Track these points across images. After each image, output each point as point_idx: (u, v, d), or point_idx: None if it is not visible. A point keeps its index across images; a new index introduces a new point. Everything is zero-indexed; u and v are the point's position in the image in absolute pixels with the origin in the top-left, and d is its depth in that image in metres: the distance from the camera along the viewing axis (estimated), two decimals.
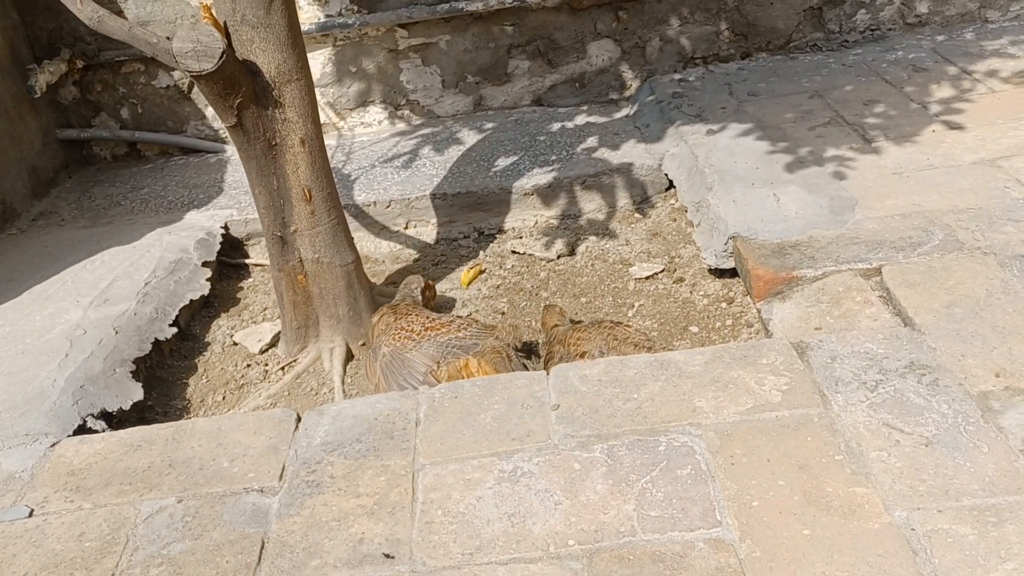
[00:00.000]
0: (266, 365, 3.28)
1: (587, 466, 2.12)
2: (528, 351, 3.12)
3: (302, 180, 2.89)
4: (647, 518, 1.94)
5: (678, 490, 2.00)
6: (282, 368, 3.22)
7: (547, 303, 3.29)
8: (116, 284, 3.44)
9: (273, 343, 3.37)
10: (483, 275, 3.75)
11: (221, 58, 2.54)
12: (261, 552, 2.01)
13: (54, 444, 2.51)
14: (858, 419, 2.13)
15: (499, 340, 2.91)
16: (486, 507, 2.04)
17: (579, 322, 2.95)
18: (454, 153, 4.40)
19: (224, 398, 3.13)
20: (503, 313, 3.45)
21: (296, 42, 2.77)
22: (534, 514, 2.00)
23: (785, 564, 1.77)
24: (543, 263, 3.77)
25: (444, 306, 3.55)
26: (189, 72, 2.56)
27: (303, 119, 2.82)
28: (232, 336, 3.46)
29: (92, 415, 2.70)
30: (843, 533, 1.82)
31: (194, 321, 3.57)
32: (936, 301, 2.52)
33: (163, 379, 3.22)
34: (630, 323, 3.20)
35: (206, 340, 3.47)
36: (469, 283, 3.69)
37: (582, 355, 2.70)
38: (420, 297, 3.17)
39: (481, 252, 3.92)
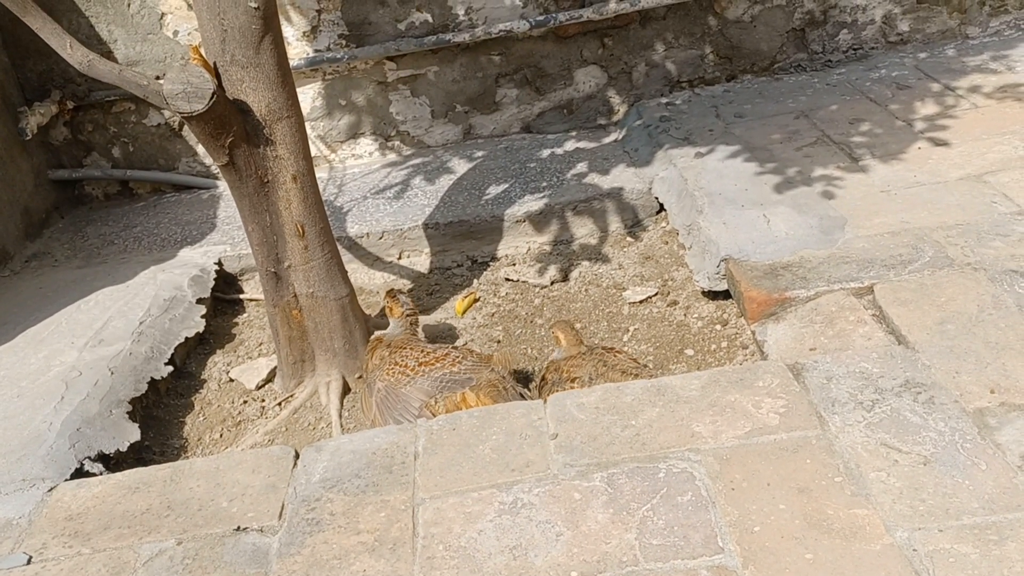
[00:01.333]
0: (263, 401, 3.27)
1: (587, 495, 2.11)
2: (525, 379, 3.13)
3: (295, 216, 2.90)
4: (649, 547, 1.94)
5: (679, 517, 2.00)
6: (279, 404, 3.22)
7: (558, 320, 3.26)
8: (111, 324, 3.44)
9: (269, 378, 3.37)
10: (478, 303, 3.76)
11: (212, 99, 2.56)
12: None
13: (51, 489, 2.49)
14: (856, 440, 2.13)
15: (495, 372, 2.91)
16: (487, 540, 2.03)
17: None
18: (445, 182, 4.42)
19: (221, 435, 3.12)
20: (498, 341, 3.45)
21: (286, 80, 2.79)
22: (536, 546, 1.99)
23: None
24: (537, 290, 3.78)
25: (440, 335, 3.55)
26: (180, 113, 2.58)
27: (294, 156, 2.84)
28: (228, 373, 3.46)
29: (89, 458, 2.68)
30: (845, 556, 1.82)
31: (190, 359, 3.56)
32: (928, 318, 2.54)
33: (160, 418, 3.21)
34: (624, 348, 3.21)
35: (202, 377, 3.46)
36: (464, 312, 3.70)
37: (573, 381, 2.72)
38: (415, 326, 3.16)
39: (475, 280, 3.93)
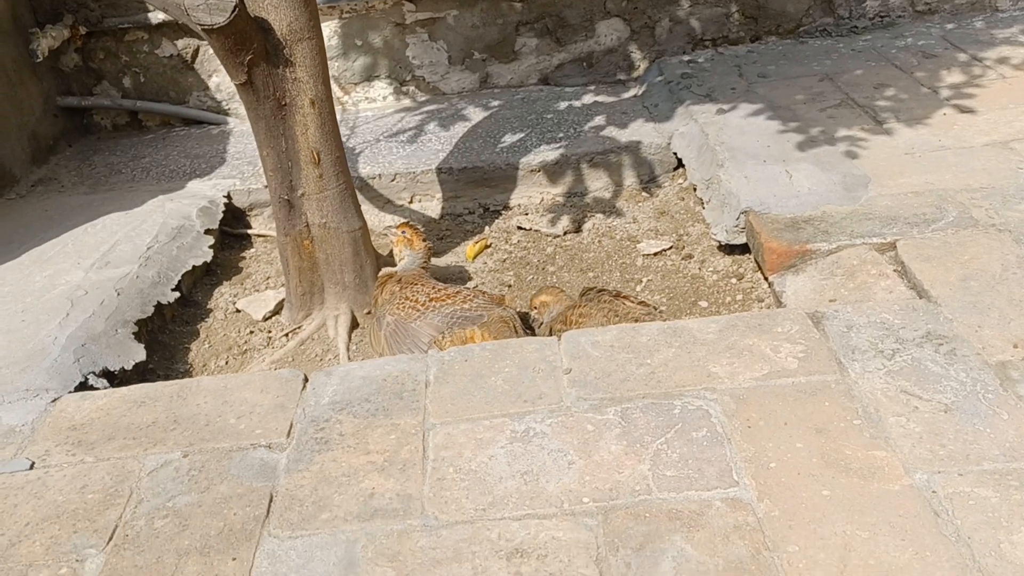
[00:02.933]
0: (269, 332, 3.24)
1: (600, 428, 2.09)
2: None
3: (311, 142, 2.85)
4: (663, 477, 1.91)
5: (694, 451, 1.97)
6: (286, 335, 3.18)
7: (542, 286, 3.20)
8: (118, 248, 3.39)
9: (277, 311, 3.33)
10: (489, 250, 3.72)
11: (233, 12, 2.50)
12: (270, 505, 1.97)
13: (55, 399, 2.46)
14: (876, 386, 2.10)
15: (506, 311, 2.88)
16: (498, 465, 2.01)
17: (587, 291, 2.91)
18: (460, 129, 4.36)
19: (227, 363, 3.09)
20: (509, 286, 3.41)
21: (308, 0, 2.73)
22: (547, 472, 1.97)
23: (805, 523, 1.75)
24: (549, 239, 3.74)
25: (450, 277, 3.51)
26: (200, 25, 2.52)
27: (313, 79, 2.78)
28: (235, 303, 3.42)
29: (94, 373, 2.65)
30: (863, 494, 1.80)
31: (196, 288, 3.52)
32: (952, 275, 2.50)
33: (165, 343, 3.17)
34: (635, 295, 3.17)
35: (208, 307, 3.43)
36: (475, 257, 3.65)
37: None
38: (426, 262, 3.11)
39: (486, 228, 3.89)
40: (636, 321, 2.69)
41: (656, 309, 2.78)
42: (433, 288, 2.95)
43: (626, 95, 4.56)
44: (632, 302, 2.81)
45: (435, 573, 1.75)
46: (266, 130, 2.81)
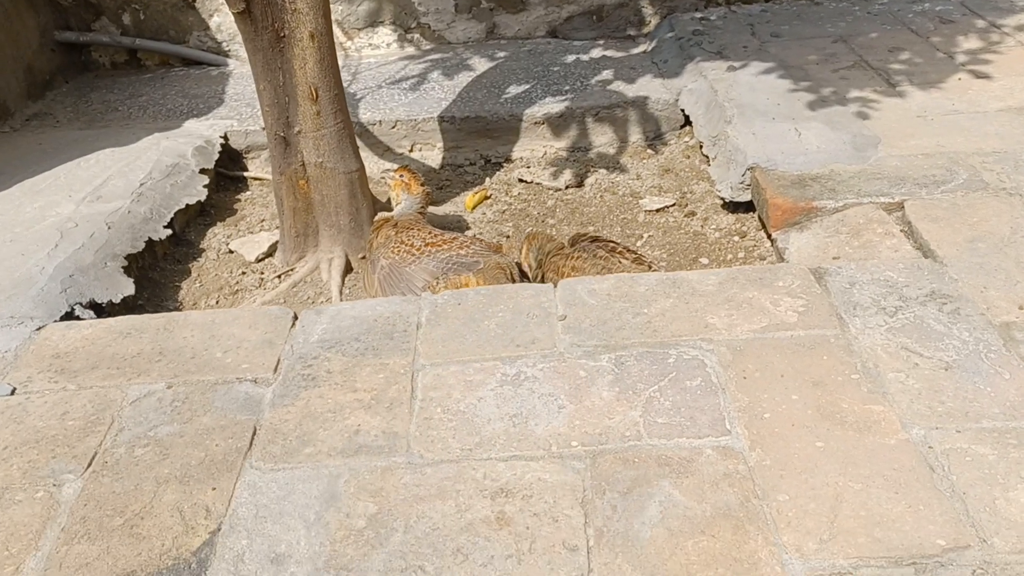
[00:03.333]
0: (262, 273, 3.19)
1: (593, 374, 2.04)
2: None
3: (309, 77, 2.77)
4: (654, 424, 1.87)
5: (687, 400, 1.93)
6: (278, 276, 3.14)
7: (529, 231, 3.11)
8: (110, 182, 3.33)
9: (270, 253, 3.28)
10: (488, 201, 3.66)
11: None
12: (253, 438, 1.94)
13: (40, 328, 2.42)
14: (876, 342, 2.06)
15: (503, 258, 2.83)
16: (487, 407, 1.97)
17: (580, 237, 2.82)
18: (464, 79, 4.27)
19: (217, 302, 3.04)
20: (508, 236, 3.36)
21: None
22: (537, 416, 1.93)
23: (796, 473, 1.71)
24: (550, 192, 3.67)
25: (447, 227, 3.45)
26: None
27: (313, 11, 2.70)
28: (228, 244, 3.37)
29: (80, 304, 2.61)
30: (858, 447, 1.76)
31: (189, 227, 3.47)
32: (959, 236, 2.44)
33: (155, 280, 3.12)
34: (634, 248, 3.12)
35: (201, 247, 3.37)
36: (474, 207, 3.59)
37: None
38: (423, 208, 3.05)
39: (487, 179, 3.82)
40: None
41: (652, 266, 2.72)
42: (430, 233, 2.90)
43: (635, 50, 4.46)
44: (628, 257, 2.74)
45: (417, 509, 1.71)
46: (263, 63, 2.74)
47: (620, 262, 2.70)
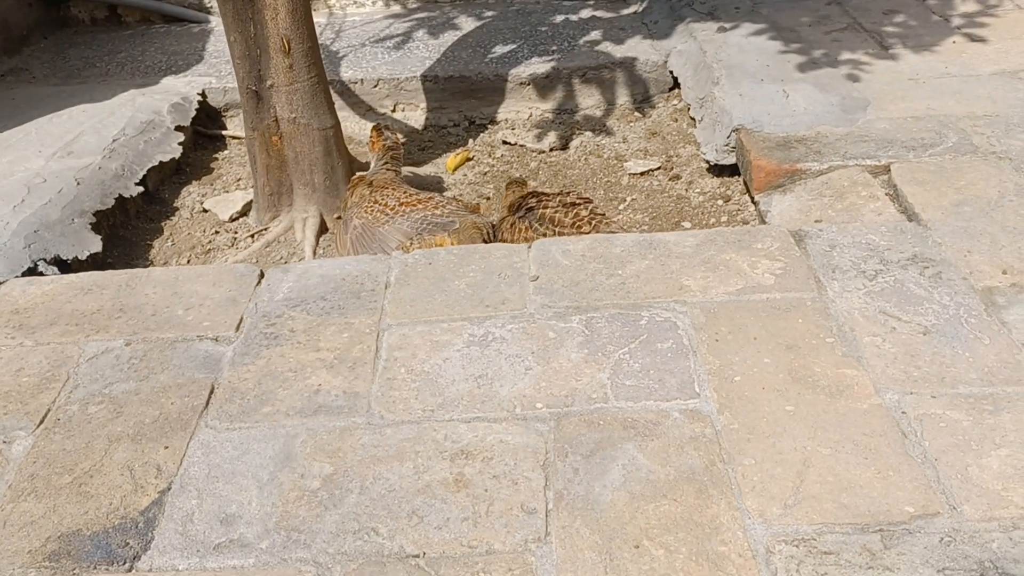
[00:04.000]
0: (235, 233, 3.12)
1: (563, 335, 1.99)
2: None
3: (281, 28, 2.68)
4: (621, 387, 1.82)
5: (656, 362, 1.88)
6: (252, 236, 3.07)
7: (512, 179, 3.01)
8: (82, 138, 3.25)
9: (244, 212, 3.21)
10: (470, 162, 3.58)
11: None
12: (210, 397, 1.88)
13: (0, 283, 2.35)
14: (854, 305, 2.00)
15: (480, 218, 2.76)
16: (452, 368, 1.91)
17: (521, 200, 2.71)
18: (450, 38, 4.17)
19: (189, 261, 2.98)
20: (488, 198, 3.29)
21: None
22: (502, 377, 1.88)
23: (764, 437, 1.66)
24: (534, 154, 3.60)
25: (427, 188, 3.38)
26: None
27: None
28: (202, 203, 3.29)
29: (44, 260, 2.54)
30: (829, 411, 1.71)
31: (163, 185, 3.39)
32: (945, 199, 2.38)
33: (126, 239, 3.06)
34: (618, 216, 3.05)
35: (175, 205, 3.30)
36: (455, 169, 3.52)
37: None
38: (393, 165, 2.97)
39: (471, 141, 3.74)
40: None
41: (598, 226, 2.53)
42: (404, 193, 2.83)
43: (626, 11, 4.36)
44: (581, 216, 2.56)
45: (374, 470, 1.66)
46: (233, 12, 2.65)
47: (558, 230, 2.55)
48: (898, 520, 1.48)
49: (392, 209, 2.74)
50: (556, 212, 2.55)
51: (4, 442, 1.80)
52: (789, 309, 2.01)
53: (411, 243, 2.65)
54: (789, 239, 2.26)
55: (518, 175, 3.44)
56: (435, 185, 3.40)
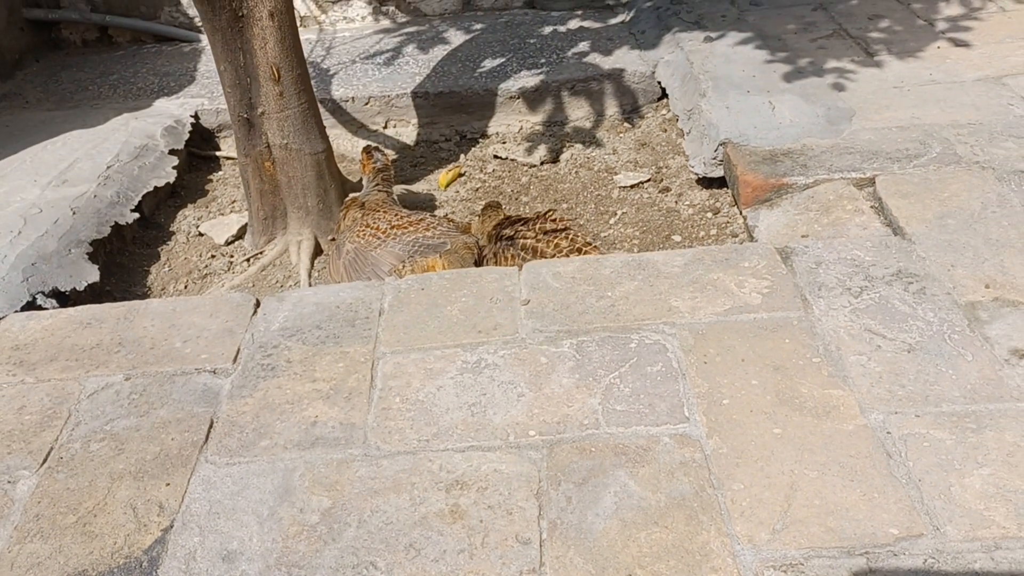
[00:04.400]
0: (231, 256, 3.16)
1: (554, 360, 2.02)
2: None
3: (270, 57, 2.71)
4: (612, 412, 1.85)
5: (646, 386, 1.91)
6: (247, 260, 3.10)
7: (486, 203, 3.03)
8: (76, 166, 3.28)
9: (240, 235, 3.24)
10: (462, 178, 3.61)
11: None
12: (209, 431, 1.92)
13: (0, 318, 2.39)
14: (839, 324, 2.03)
15: (471, 238, 2.79)
16: (446, 396, 1.95)
17: (498, 228, 2.77)
18: (439, 52, 4.20)
19: (186, 287, 3.01)
20: (479, 215, 3.31)
21: None
22: (495, 404, 1.91)
23: (752, 461, 1.70)
24: (525, 168, 3.63)
25: (419, 206, 3.42)
26: None
27: None
28: (198, 226, 3.33)
29: (43, 293, 2.58)
30: (815, 433, 1.75)
31: (159, 210, 3.43)
32: (929, 212, 2.41)
33: (123, 265, 3.09)
34: (610, 230, 3.09)
35: (171, 229, 3.33)
36: (447, 185, 3.55)
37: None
38: (384, 187, 3.00)
39: (462, 156, 3.77)
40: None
41: (582, 249, 2.59)
42: (395, 215, 2.86)
43: (613, 21, 4.39)
44: (560, 247, 2.61)
45: (372, 503, 1.70)
46: (223, 43, 2.68)
47: (557, 245, 2.61)
48: (883, 543, 1.52)
49: (384, 232, 2.77)
50: (538, 243, 2.59)
51: (9, 482, 1.83)
52: (776, 329, 2.04)
53: (403, 266, 2.69)
54: (776, 256, 2.29)
55: (510, 190, 3.48)
56: (428, 202, 3.43)
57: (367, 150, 3.03)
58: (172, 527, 1.69)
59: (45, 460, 1.88)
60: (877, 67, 3.35)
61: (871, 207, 2.54)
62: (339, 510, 1.69)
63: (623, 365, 1.98)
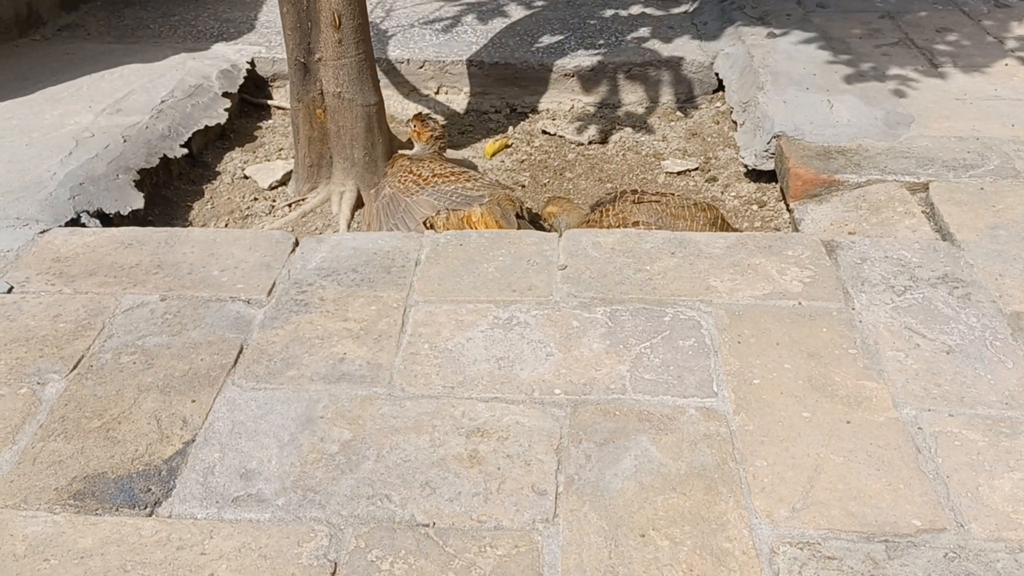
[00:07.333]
0: (273, 201, 3.18)
1: (586, 325, 2.01)
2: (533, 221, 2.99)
3: (333, 3, 2.72)
4: (640, 380, 1.84)
5: (677, 359, 1.90)
6: (289, 205, 3.12)
7: (551, 196, 3.04)
8: (131, 97, 3.32)
9: (284, 181, 3.26)
10: (509, 150, 3.60)
11: None
12: (239, 356, 1.93)
13: (44, 231, 2.43)
14: (879, 319, 2.00)
15: (512, 192, 2.78)
16: (475, 348, 1.95)
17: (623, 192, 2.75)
18: (498, 24, 4.19)
19: (227, 225, 3.03)
20: (523, 186, 3.31)
21: None
22: (523, 360, 1.90)
23: (778, 440, 1.68)
24: (572, 146, 3.61)
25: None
26: None
27: None
28: (243, 169, 3.35)
29: (87, 212, 2.61)
30: (844, 421, 1.72)
31: (207, 150, 3.46)
32: (981, 221, 2.36)
33: (168, 199, 3.12)
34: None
35: (217, 170, 3.36)
36: (493, 154, 3.54)
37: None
38: (443, 151, 3.00)
39: (510, 128, 3.76)
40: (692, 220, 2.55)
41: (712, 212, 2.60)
42: (440, 166, 2.85)
43: (676, 10, 4.35)
44: (674, 201, 2.63)
45: (391, 440, 1.70)
46: None
47: (679, 205, 2.60)
48: (904, 532, 1.49)
49: (425, 180, 2.77)
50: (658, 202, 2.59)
51: (39, 383, 1.86)
52: (814, 317, 2.01)
53: (438, 215, 2.68)
54: (820, 248, 2.26)
55: (555, 164, 3.46)
56: (472, 168, 3.43)
57: (421, 118, 3.04)
58: (194, 441, 1.70)
59: (75, 367, 1.90)
60: (940, 78, 3.29)
61: (922, 211, 2.49)
62: (359, 443, 1.70)
63: (655, 336, 1.97)
